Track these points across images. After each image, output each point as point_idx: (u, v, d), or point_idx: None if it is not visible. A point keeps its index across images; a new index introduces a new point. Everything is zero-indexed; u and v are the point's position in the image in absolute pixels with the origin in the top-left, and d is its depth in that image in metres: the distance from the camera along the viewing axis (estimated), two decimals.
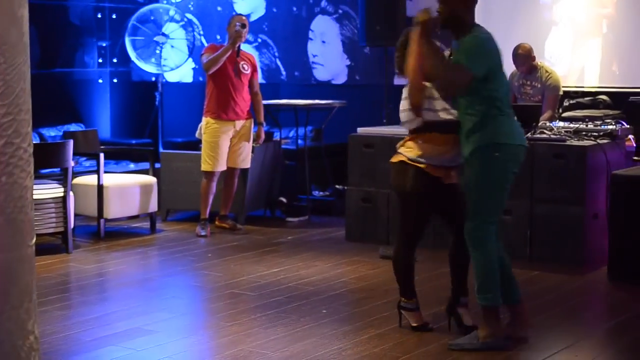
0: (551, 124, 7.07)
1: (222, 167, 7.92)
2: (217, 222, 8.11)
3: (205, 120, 7.94)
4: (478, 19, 4.82)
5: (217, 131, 7.86)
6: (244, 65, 7.93)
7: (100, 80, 10.52)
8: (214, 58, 7.75)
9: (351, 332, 5.09)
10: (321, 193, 9.07)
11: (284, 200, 8.75)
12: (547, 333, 5.07)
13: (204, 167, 7.91)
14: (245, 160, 8.07)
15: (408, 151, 4.95)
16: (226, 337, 5.03)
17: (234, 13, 8.94)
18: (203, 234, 7.82)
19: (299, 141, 8.83)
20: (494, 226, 4.78)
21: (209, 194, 7.94)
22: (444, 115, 4.87)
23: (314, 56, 9.67)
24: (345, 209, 7.69)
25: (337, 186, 8.84)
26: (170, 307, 5.69)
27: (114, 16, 10.46)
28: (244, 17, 8.01)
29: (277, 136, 8.89)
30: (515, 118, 4.88)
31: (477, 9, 4.82)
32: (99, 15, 10.44)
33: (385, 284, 6.18)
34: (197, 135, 8.17)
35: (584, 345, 4.97)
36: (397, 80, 9.14)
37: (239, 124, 7.94)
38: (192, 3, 10.37)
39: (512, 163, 4.78)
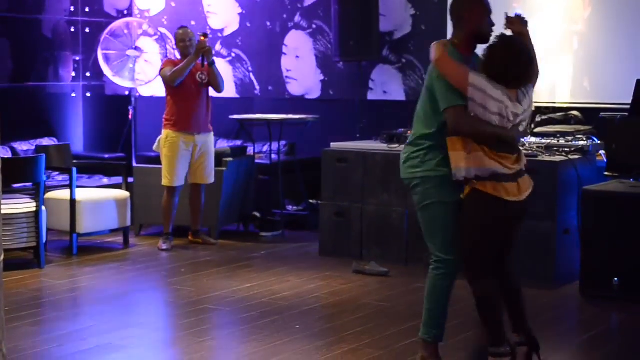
0: (523, 140, 7.11)
1: (180, 181, 7.88)
2: (190, 238, 8.08)
3: (165, 133, 7.86)
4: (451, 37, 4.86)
5: (176, 145, 7.80)
6: (201, 76, 7.89)
7: (73, 94, 10.48)
8: (180, 69, 7.69)
9: (324, 347, 5.10)
10: (295, 208, 9.07)
11: (257, 215, 8.74)
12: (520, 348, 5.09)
13: (164, 182, 7.87)
14: (210, 175, 8.01)
15: None
16: (199, 352, 5.02)
17: (202, 32, 8.79)
18: (164, 247, 7.79)
19: (273, 156, 8.83)
20: None
21: (171, 208, 7.91)
22: None
23: (288, 71, 9.68)
24: (319, 223, 7.70)
25: (310, 201, 8.84)
26: (142, 323, 5.67)
27: (87, 30, 10.42)
28: (189, 31, 7.94)
29: (250, 151, 8.88)
30: None
31: (450, 27, 4.86)
32: (73, 29, 10.40)
33: (358, 299, 6.19)
34: (154, 148, 8.10)
35: None
36: (371, 95, 9.17)
37: (200, 138, 7.88)
38: (165, 17, 10.37)
39: None
